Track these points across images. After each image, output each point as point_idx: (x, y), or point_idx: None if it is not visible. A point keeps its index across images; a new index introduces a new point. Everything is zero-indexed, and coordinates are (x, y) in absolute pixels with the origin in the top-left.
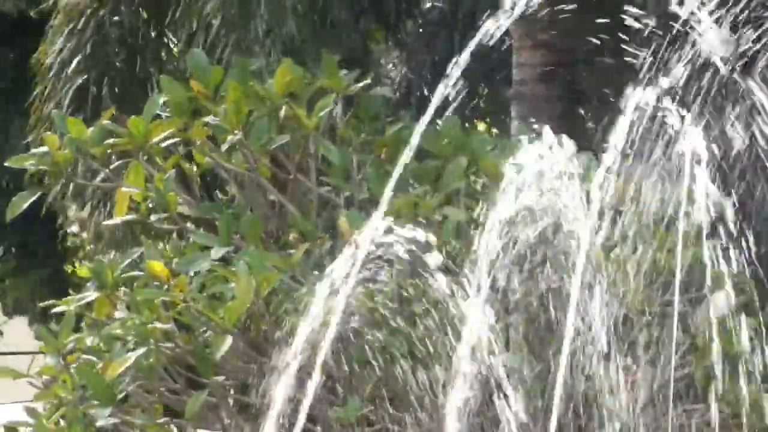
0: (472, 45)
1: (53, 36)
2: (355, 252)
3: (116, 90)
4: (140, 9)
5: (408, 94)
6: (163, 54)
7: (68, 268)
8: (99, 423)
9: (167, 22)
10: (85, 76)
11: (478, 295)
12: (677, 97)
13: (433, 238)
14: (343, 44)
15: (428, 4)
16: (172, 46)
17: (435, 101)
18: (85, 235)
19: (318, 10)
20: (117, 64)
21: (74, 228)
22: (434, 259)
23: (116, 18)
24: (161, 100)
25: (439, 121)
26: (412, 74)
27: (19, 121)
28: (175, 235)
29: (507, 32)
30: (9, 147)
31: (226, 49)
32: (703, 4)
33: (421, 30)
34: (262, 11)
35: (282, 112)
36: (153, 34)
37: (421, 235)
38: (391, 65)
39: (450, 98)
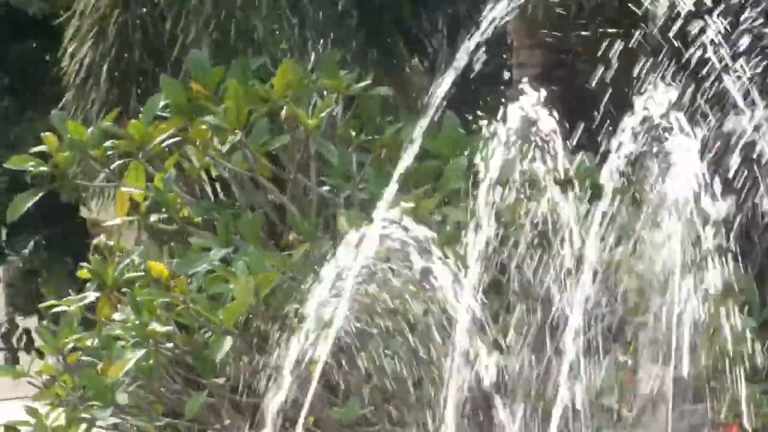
0: (474, 36)
1: (78, 42)
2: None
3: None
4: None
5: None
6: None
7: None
8: (99, 423)
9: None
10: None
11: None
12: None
13: (434, 236)
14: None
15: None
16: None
17: (436, 96)
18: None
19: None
20: (140, 67)
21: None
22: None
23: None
24: (161, 101)
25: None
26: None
27: (29, 117)
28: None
29: (507, 32)
30: (20, 142)
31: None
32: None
33: (445, 44)
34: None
35: (282, 112)
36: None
37: (422, 231)
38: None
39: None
